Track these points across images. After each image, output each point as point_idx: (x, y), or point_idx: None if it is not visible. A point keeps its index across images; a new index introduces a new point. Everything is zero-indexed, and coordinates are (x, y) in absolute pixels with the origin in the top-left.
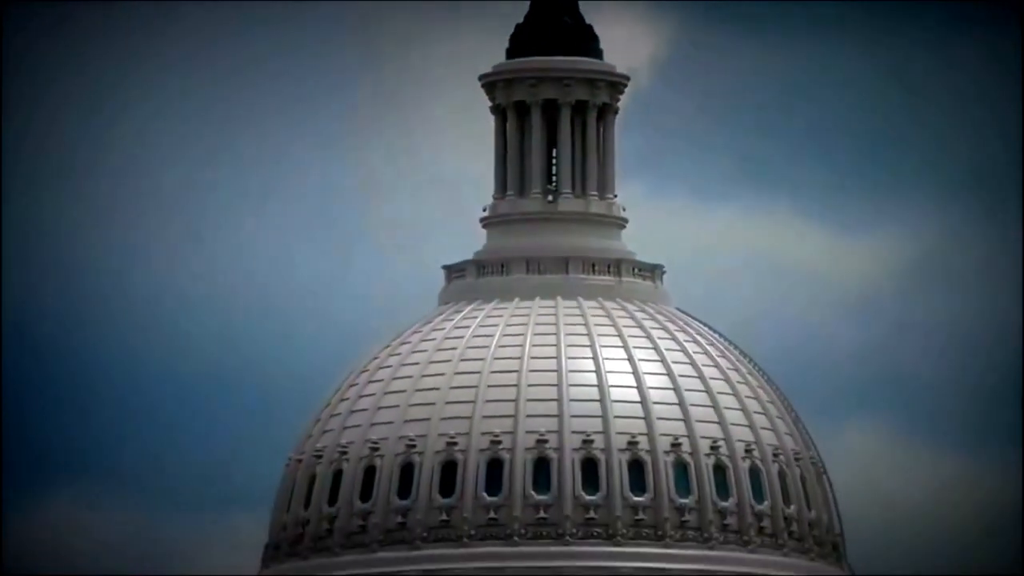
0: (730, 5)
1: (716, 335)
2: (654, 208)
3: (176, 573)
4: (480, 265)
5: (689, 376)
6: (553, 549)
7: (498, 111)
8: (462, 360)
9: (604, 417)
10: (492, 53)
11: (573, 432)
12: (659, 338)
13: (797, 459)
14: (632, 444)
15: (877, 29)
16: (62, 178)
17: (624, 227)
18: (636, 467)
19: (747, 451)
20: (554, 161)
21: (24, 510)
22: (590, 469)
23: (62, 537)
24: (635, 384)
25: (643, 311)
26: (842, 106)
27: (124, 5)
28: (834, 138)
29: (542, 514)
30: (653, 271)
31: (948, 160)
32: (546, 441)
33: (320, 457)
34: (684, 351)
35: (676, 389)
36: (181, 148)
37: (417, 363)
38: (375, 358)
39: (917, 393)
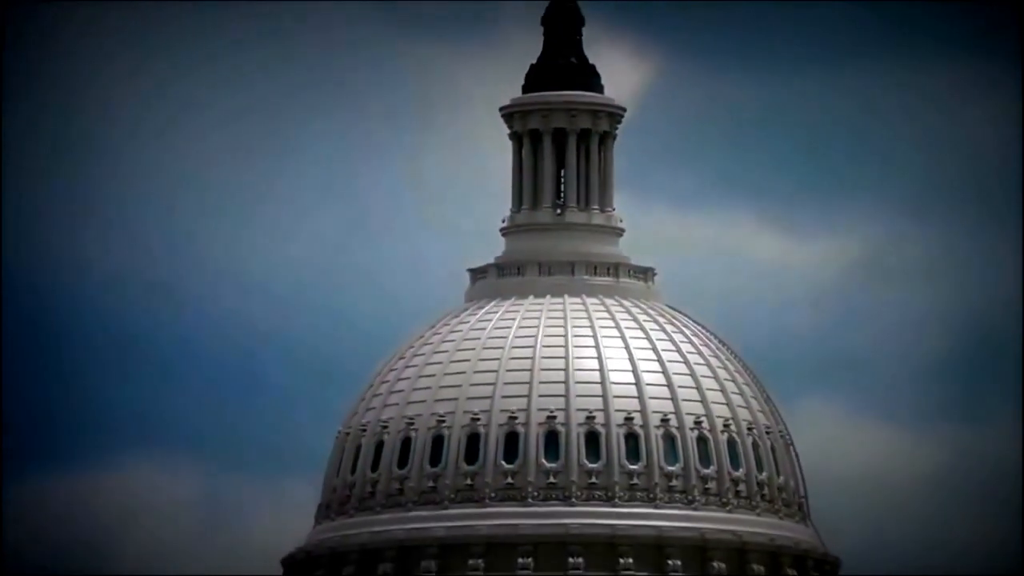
0: (706, 41)
1: (699, 327)
2: (644, 218)
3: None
4: (500, 268)
5: (676, 362)
6: (560, 509)
7: (515, 137)
8: (484, 348)
9: (604, 397)
10: (505, 87)
11: (578, 410)
12: (651, 330)
13: (768, 432)
14: (628, 420)
15: (836, 65)
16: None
17: (621, 235)
18: (631, 439)
19: (725, 425)
20: (562, 179)
21: (103, 471)
22: (592, 441)
23: (140, 495)
24: (630, 369)
25: (637, 307)
26: (801, 130)
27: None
28: (793, 158)
29: (551, 479)
30: (646, 273)
31: (891, 174)
32: (555, 417)
33: (364, 430)
34: (672, 341)
35: (665, 373)
36: (230, 151)
37: (446, 351)
38: (410, 347)
39: (866, 373)
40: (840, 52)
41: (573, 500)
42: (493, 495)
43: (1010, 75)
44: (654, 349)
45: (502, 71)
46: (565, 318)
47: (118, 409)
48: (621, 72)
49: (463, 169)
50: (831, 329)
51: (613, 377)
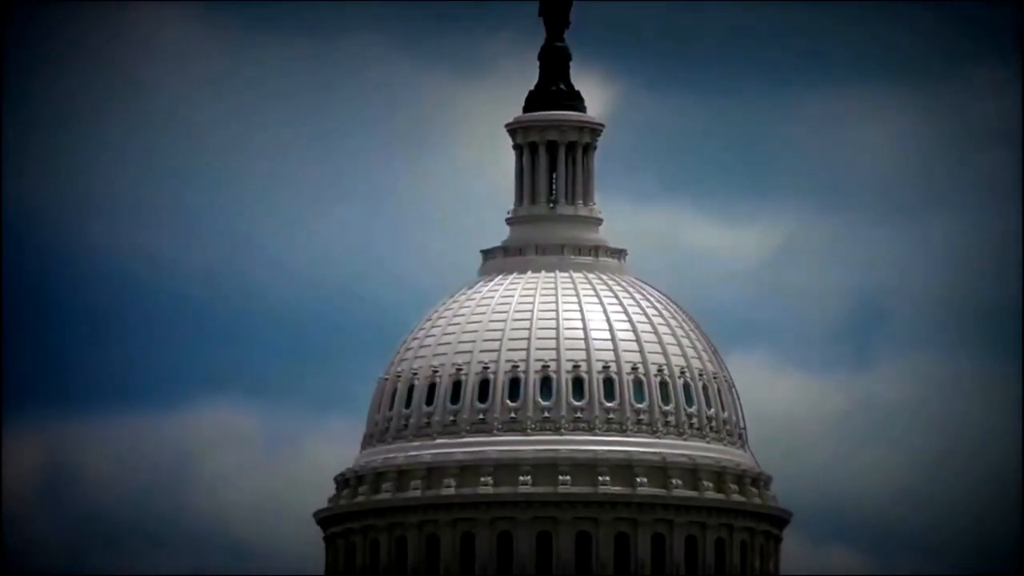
0: (661, 69)
1: (661, 295)
2: (617, 210)
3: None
4: (505, 249)
5: (643, 323)
6: (553, 438)
7: (517, 147)
8: (493, 312)
9: (587, 350)
10: (503, 107)
11: (566, 360)
12: (623, 298)
13: (714, 377)
14: (605, 368)
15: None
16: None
17: (600, 224)
18: (608, 383)
19: (681, 372)
20: (554, 180)
21: (179, 412)
22: (577, 385)
23: (211, 432)
24: (607, 328)
25: (613, 280)
26: (735, 141)
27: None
28: (730, 162)
29: (546, 414)
30: (619, 253)
31: (804, 176)
32: (548, 366)
33: (400, 377)
34: (639, 307)
35: (634, 331)
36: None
37: (463, 315)
38: (436, 311)
39: (786, 333)
40: (762, 78)
41: (562, 431)
42: (500, 427)
43: (914, 92)
44: (625, 313)
45: (500, 94)
46: (556, 289)
47: (191, 362)
48: (596, 94)
49: (473, 172)
50: (760, 298)
51: (594, 335)
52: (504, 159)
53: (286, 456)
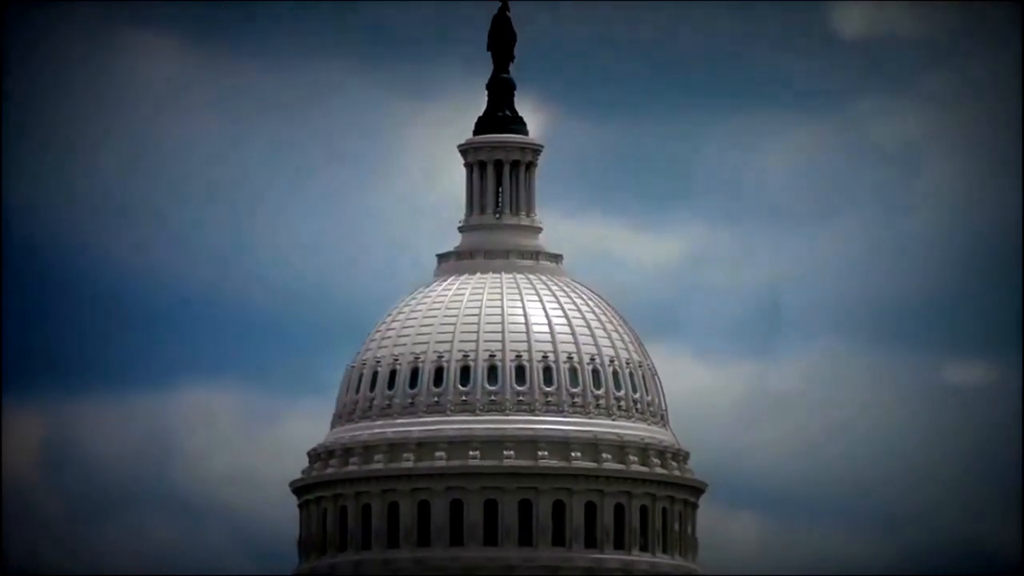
0: (590, 95)
1: (592, 294)
2: (554, 220)
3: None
4: (458, 254)
5: (577, 317)
6: (498, 418)
7: (468, 165)
8: (447, 309)
9: (528, 342)
10: (457, 128)
11: (511, 350)
12: (559, 296)
13: (639, 365)
14: (544, 357)
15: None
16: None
17: (540, 232)
18: (546, 371)
19: (610, 361)
20: (499, 194)
21: (166, 393)
22: (520, 372)
23: (194, 409)
24: (546, 322)
25: (551, 281)
26: (651, 161)
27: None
28: (649, 178)
29: (492, 398)
30: (556, 258)
31: (712, 192)
32: (495, 356)
33: (366, 364)
34: (573, 303)
35: (570, 325)
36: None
37: (421, 311)
38: (397, 308)
39: (696, 326)
40: (677, 105)
41: (507, 412)
42: (452, 409)
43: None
44: (562, 309)
45: (451, 118)
46: (501, 289)
47: (178, 349)
48: (536, 119)
49: (429, 186)
50: (676, 296)
51: (534, 328)
52: (456, 175)
53: (262, 432)
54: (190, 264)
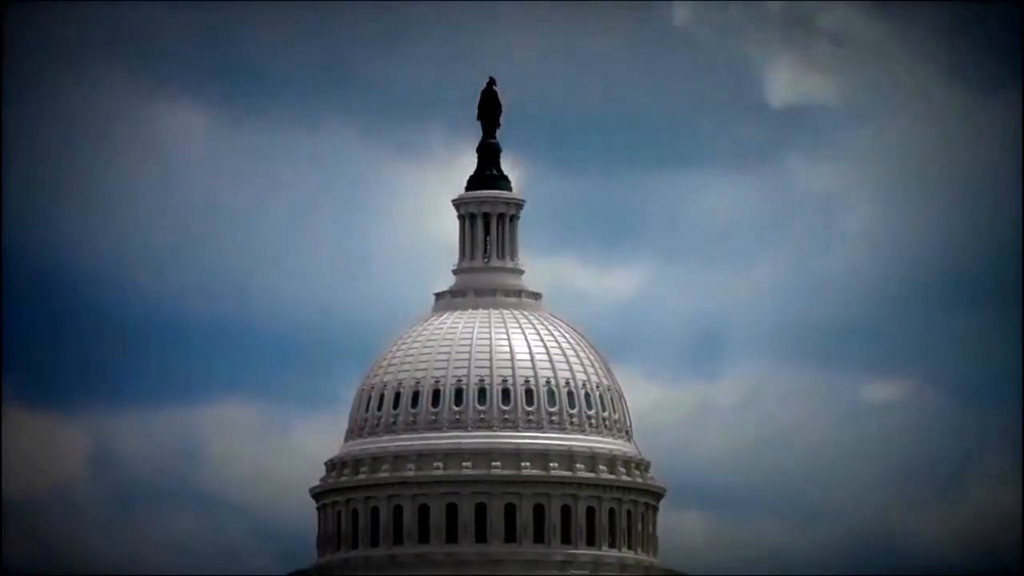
0: (568, 156)
1: (568, 327)
2: (535, 264)
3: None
4: (452, 292)
5: (554, 347)
6: (487, 434)
7: (460, 216)
8: (443, 340)
9: (512, 368)
10: (445, 187)
11: (497, 375)
12: (539, 328)
13: (608, 388)
14: (526, 381)
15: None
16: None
17: (522, 273)
18: (528, 393)
19: (583, 384)
20: (487, 241)
21: (194, 407)
22: (505, 394)
23: (214, 422)
24: (528, 352)
25: (532, 316)
26: (610, 212)
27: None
28: (610, 227)
29: (482, 416)
30: (536, 296)
31: (658, 235)
32: (483, 380)
33: (374, 387)
34: (551, 335)
35: (548, 354)
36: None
37: (421, 341)
38: (400, 339)
39: (649, 352)
40: (633, 161)
41: (494, 428)
42: (448, 426)
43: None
44: (541, 340)
45: (444, 175)
46: (490, 322)
47: (206, 368)
48: (518, 176)
49: (427, 234)
50: (630, 325)
51: (517, 356)
52: (448, 223)
53: (276, 441)
54: (216, 298)
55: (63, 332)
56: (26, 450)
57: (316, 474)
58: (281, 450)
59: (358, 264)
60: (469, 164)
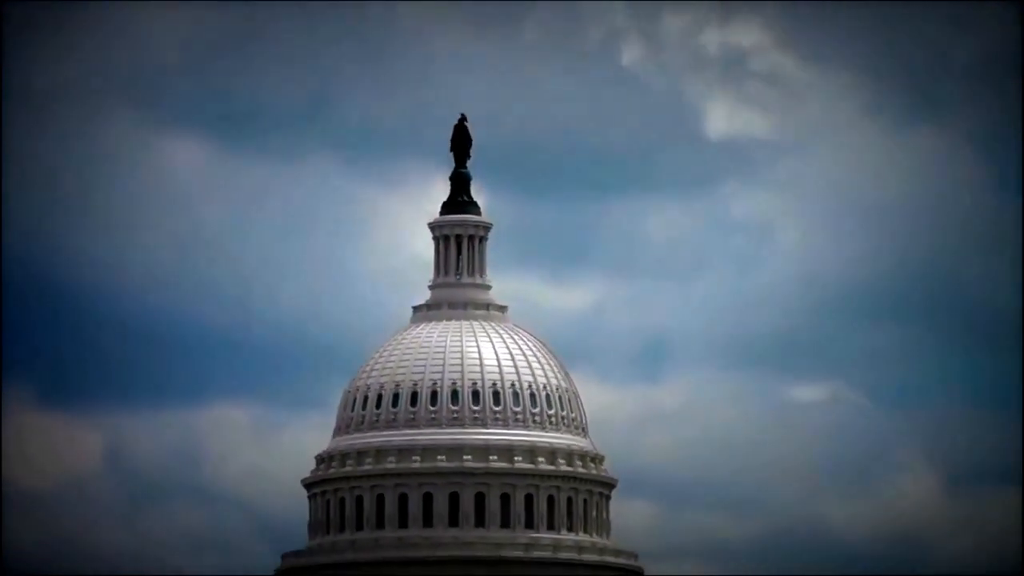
0: (528, 184)
1: (530, 335)
2: (501, 280)
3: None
4: (428, 306)
5: (518, 353)
6: (459, 431)
7: (436, 238)
8: (420, 347)
9: (481, 372)
10: (421, 211)
11: (468, 378)
12: (505, 337)
13: (566, 390)
14: (494, 384)
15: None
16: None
17: (490, 288)
18: (495, 394)
19: (544, 387)
20: (459, 260)
21: (196, 408)
22: (475, 395)
23: (216, 423)
24: (495, 357)
25: (499, 326)
26: (562, 238)
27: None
28: (565, 249)
29: (455, 415)
30: (503, 308)
31: (616, 256)
32: (456, 383)
33: (359, 390)
34: (516, 343)
35: (512, 359)
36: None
37: (401, 349)
38: (382, 346)
39: (608, 357)
40: (586, 186)
41: (465, 426)
42: (425, 423)
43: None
44: (507, 347)
45: (420, 200)
46: (461, 332)
47: (207, 372)
48: (486, 201)
49: (406, 253)
50: (588, 335)
51: (486, 362)
52: (423, 243)
53: (271, 439)
54: (216, 311)
55: (78, 341)
56: (43, 448)
57: (307, 467)
58: (275, 446)
59: (344, 280)
60: (442, 191)
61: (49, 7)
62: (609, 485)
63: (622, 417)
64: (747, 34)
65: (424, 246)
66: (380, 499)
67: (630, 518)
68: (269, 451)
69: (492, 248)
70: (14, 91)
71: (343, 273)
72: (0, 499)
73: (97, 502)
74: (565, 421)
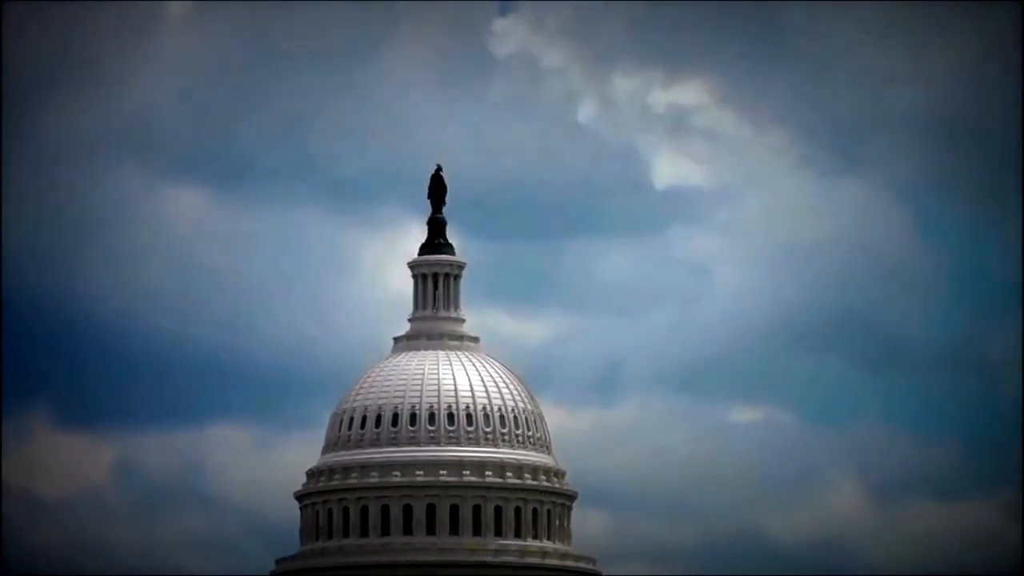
0: (497, 227)
1: (500, 364)
2: (473, 315)
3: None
4: (408, 337)
5: (489, 380)
6: (435, 448)
7: (414, 276)
8: (401, 374)
9: (455, 396)
10: (403, 252)
11: (444, 402)
12: (477, 365)
13: (532, 412)
14: (466, 407)
15: None
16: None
17: (464, 322)
18: (468, 416)
19: (512, 409)
20: (436, 296)
21: (196, 427)
22: (450, 416)
23: (216, 441)
24: (468, 383)
25: (472, 355)
26: (529, 272)
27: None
28: (530, 282)
29: (432, 434)
30: (475, 339)
31: (587, 283)
32: (432, 406)
33: (345, 412)
34: (488, 370)
35: (484, 384)
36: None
37: (383, 376)
38: (366, 374)
39: (570, 382)
40: (547, 227)
41: (441, 444)
42: (405, 441)
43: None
44: (479, 374)
45: (397, 241)
46: (438, 361)
47: (207, 395)
48: (460, 242)
49: (387, 289)
50: (550, 363)
51: (460, 387)
52: (402, 281)
53: (265, 455)
54: (218, 341)
55: (91, 369)
56: (61, 463)
57: (299, 480)
58: (270, 461)
59: (331, 314)
60: (420, 234)
61: (51, 59)
62: (570, 497)
63: (581, 436)
64: (690, 94)
65: (404, 283)
66: (364, 510)
67: (588, 526)
68: (265, 466)
69: (465, 285)
70: (14, 143)
71: (331, 308)
72: (25, 508)
73: (109, 510)
74: (531, 440)
